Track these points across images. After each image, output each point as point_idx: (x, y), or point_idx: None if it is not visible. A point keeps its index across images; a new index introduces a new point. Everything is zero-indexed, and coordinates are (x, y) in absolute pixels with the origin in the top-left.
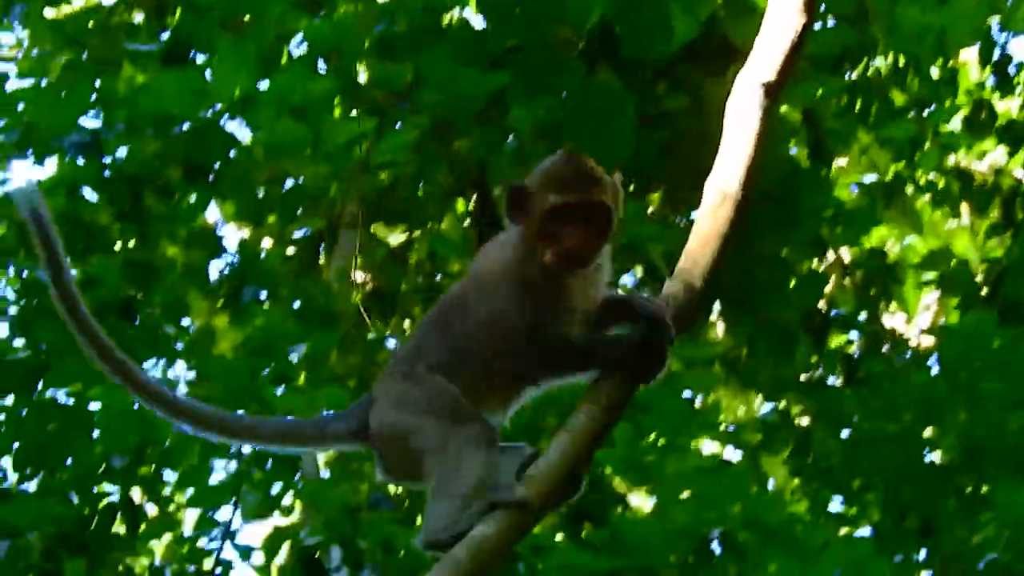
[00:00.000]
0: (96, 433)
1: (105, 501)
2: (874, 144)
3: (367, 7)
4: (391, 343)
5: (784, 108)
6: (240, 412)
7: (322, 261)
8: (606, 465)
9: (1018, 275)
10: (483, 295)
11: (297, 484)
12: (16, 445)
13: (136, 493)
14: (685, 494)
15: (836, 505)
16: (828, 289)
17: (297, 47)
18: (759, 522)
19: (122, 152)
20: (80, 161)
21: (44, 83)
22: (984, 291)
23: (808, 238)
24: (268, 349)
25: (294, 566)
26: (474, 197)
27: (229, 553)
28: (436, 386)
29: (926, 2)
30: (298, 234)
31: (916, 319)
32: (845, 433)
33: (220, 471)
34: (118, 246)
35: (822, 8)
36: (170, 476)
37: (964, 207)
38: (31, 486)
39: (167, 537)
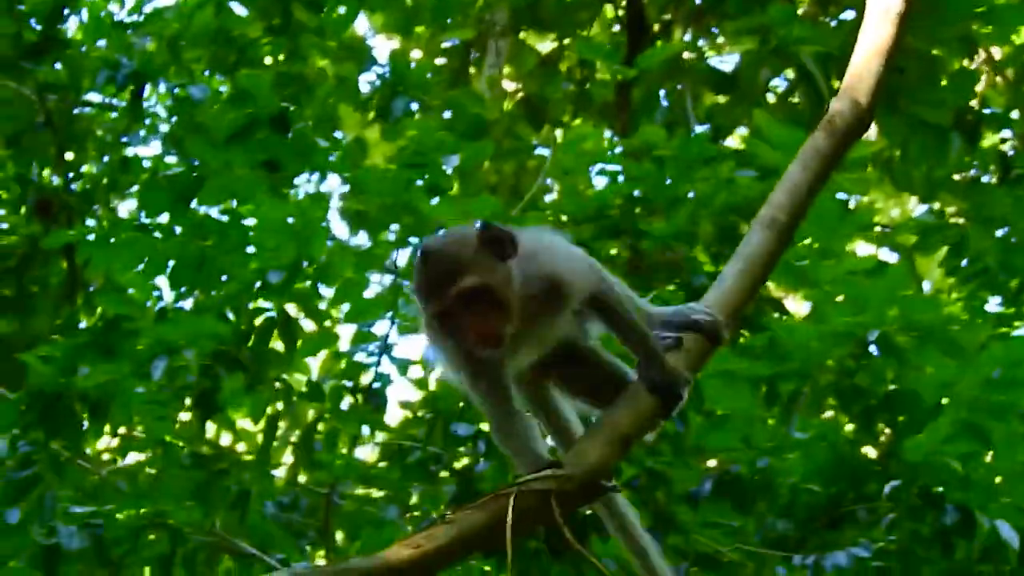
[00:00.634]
0: (251, 249)
1: (262, 317)
2: None
3: None
4: (543, 152)
5: None
6: None
7: (472, 71)
8: None
9: None
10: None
11: None
12: (171, 263)
13: (292, 309)
14: (841, 297)
15: (994, 305)
16: (979, 88)
17: None
18: (916, 324)
19: None
20: None
21: None
22: None
23: (958, 35)
24: (420, 160)
25: None
26: (624, 2)
27: (387, 367)
28: None
29: None
30: (448, 44)
31: None
32: (1000, 232)
33: (376, 285)
34: (268, 60)
35: None
36: (326, 291)
37: None
38: (187, 304)
39: (324, 353)
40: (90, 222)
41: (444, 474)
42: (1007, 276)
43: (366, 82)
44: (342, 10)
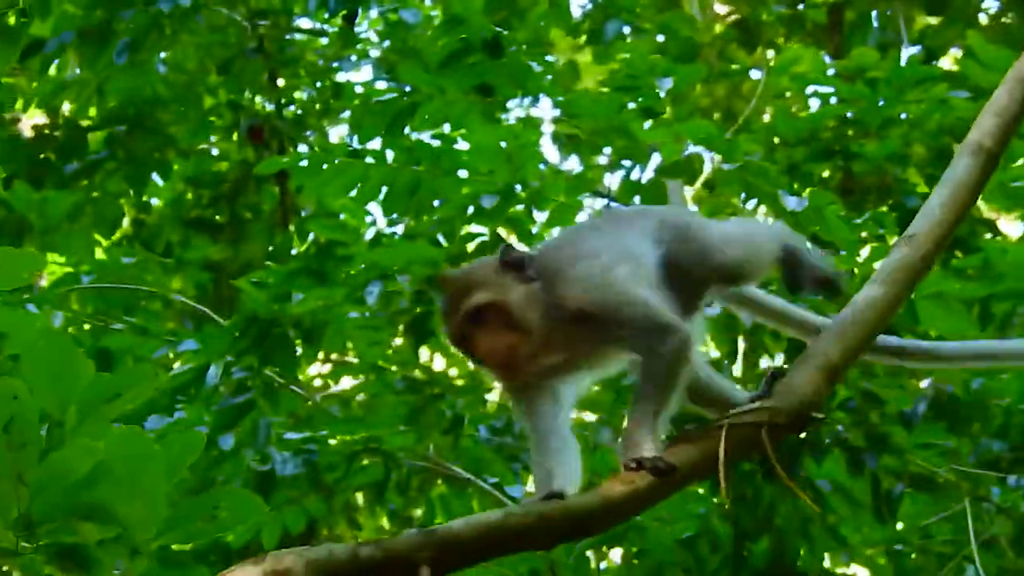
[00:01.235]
0: (464, 174)
1: (474, 242)
2: None
3: None
4: (755, 74)
5: None
6: None
7: None
8: None
9: None
10: None
11: None
12: (384, 189)
13: (504, 233)
14: None
15: None
16: None
17: None
18: None
19: None
20: None
21: None
22: None
23: None
24: (633, 83)
25: None
26: None
27: None
28: None
29: None
30: None
31: None
32: None
33: (588, 209)
34: None
35: None
36: (539, 215)
37: None
38: (399, 229)
39: None
40: (302, 148)
41: None
42: None
43: (578, 5)
44: None
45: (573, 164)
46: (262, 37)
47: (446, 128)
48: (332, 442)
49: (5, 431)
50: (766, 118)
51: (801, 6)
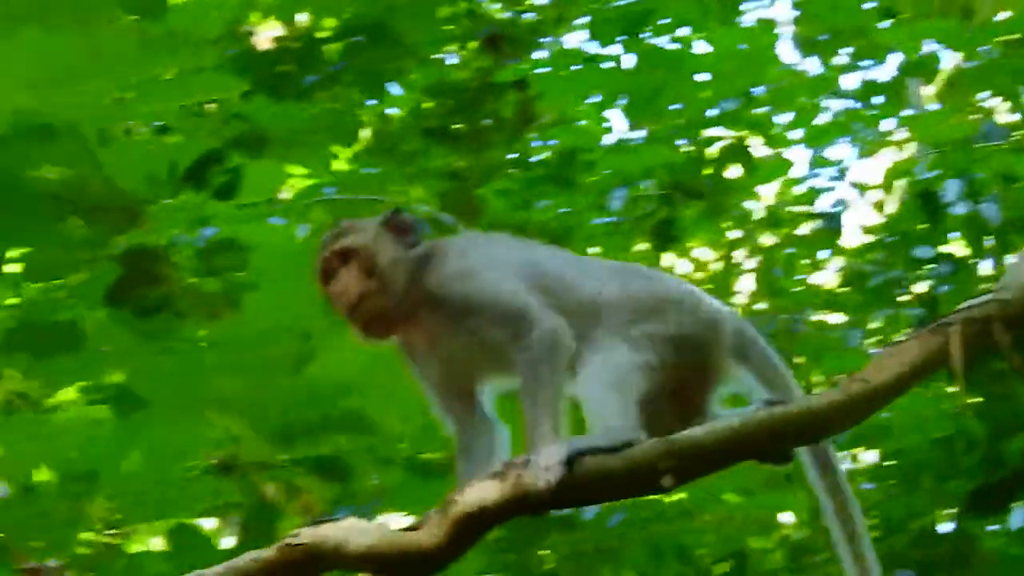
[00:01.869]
0: (703, 77)
1: (716, 146)
2: None
3: None
4: None
5: None
6: None
7: None
8: None
9: None
10: None
11: (909, 119)
12: (624, 95)
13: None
14: None
15: None
16: None
17: None
18: None
19: None
20: None
21: None
22: None
23: None
24: None
25: (910, 202)
26: None
27: (844, 191)
28: None
29: None
30: None
31: None
32: None
33: (829, 111)
34: None
35: None
36: (780, 118)
37: None
38: (639, 135)
39: (780, 179)
40: (540, 55)
41: (905, 298)
42: None
43: None
44: None
45: (812, 65)
46: None
47: (684, 32)
48: None
49: (258, 345)
50: (1004, 15)
51: None
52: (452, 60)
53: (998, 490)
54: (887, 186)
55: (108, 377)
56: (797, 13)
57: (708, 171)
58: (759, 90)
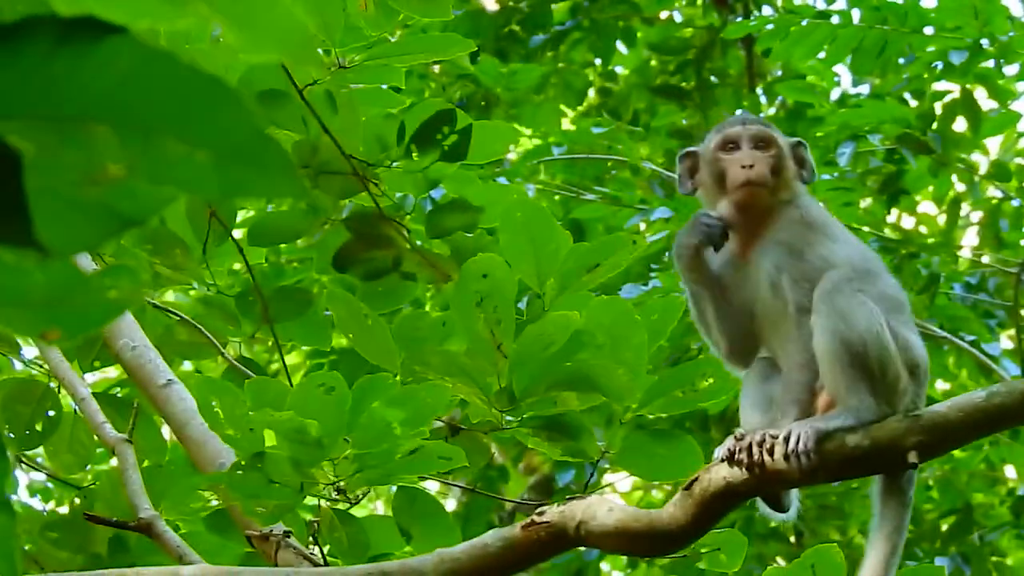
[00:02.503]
0: (930, 30)
1: (944, 99)
2: None
3: None
4: None
5: None
6: None
7: None
8: None
9: None
10: None
11: None
12: (852, 50)
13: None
14: None
15: None
16: None
17: None
18: None
19: None
20: None
21: None
22: None
23: None
24: None
25: None
26: None
27: None
28: None
29: None
30: None
31: None
32: None
33: None
34: None
35: None
36: (1009, 70)
37: None
38: (865, 89)
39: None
40: (767, 11)
41: None
42: None
43: None
44: None
45: None
46: None
47: None
48: None
49: (481, 306)
50: None
51: None
52: (678, 18)
53: None
54: None
55: (335, 342)
56: None
57: (935, 125)
58: (985, 43)
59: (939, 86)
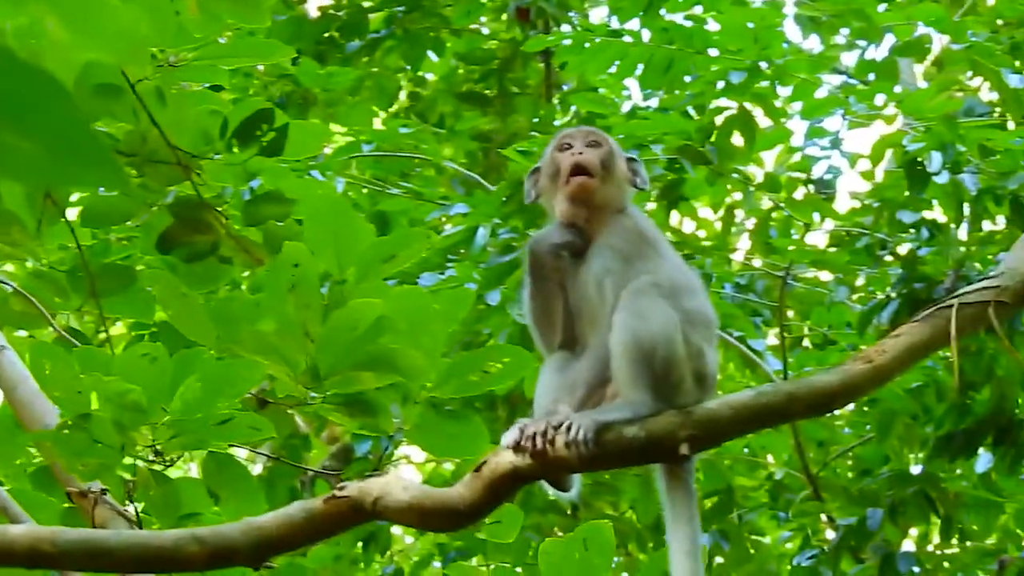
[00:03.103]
0: (714, 52)
1: (723, 115)
2: None
3: None
4: None
5: None
6: None
7: None
8: None
9: None
10: None
11: (899, 95)
12: (641, 66)
13: (751, 107)
14: None
15: None
16: None
17: None
18: None
19: None
20: None
21: None
22: None
23: None
24: None
25: (897, 171)
26: None
27: (837, 160)
28: None
29: None
30: None
31: None
32: None
33: (827, 86)
34: None
35: None
36: (782, 90)
37: None
38: (654, 103)
39: (779, 147)
40: (566, 28)
41: (889, 258)
42: None
43: None
44: None
45: (814, 43)
46: None
47: (698, 10)
48: None
49: (292, 291)
50: (991, 1)
51: None
52: (485, 31)
53: (965, 437)
54: (876, 156)
55: (156, 316)
56: None
57: (714, 138)
58: (763, 65)
59: (719, 102)
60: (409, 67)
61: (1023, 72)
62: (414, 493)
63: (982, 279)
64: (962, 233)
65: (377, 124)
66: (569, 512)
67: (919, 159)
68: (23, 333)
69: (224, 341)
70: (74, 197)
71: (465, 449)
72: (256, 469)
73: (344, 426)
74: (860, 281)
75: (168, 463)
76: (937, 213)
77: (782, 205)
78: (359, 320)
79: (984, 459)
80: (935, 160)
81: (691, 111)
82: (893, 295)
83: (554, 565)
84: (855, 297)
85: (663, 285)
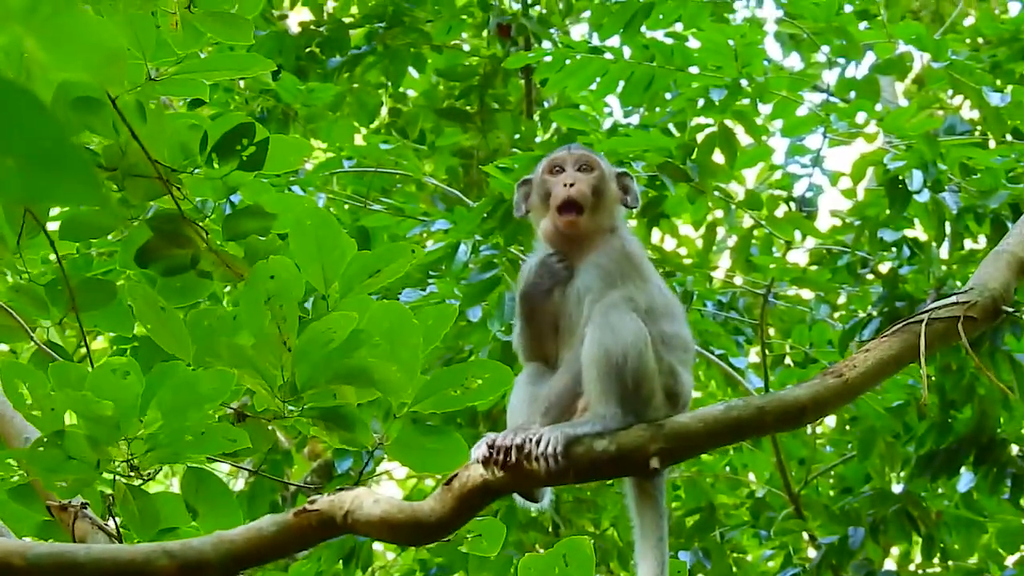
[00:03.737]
0: (695, 70)
1: (704, 132)
2: None
3: None
4: None
5: None
6: None
7: None
8: None
9: None
10: None
11: (880, 113)
12: (622, 83)
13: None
14: None
15: None
16: None
17: None
18: None
19: None
20: None
21: None
22: None
23: None
24: None
25: (878, 189)
26: None
27: (818, 178)
28: None
29: None
30: None
31: None
32: None
33: (808, 103)
34: None
35: None
36: (763, 108)
37: None
38: (634, 120)
39: (760, 165)
40: (546, 45)
41: (870, 276)
42: None
43: None
44: None
45: (794, 61)
46: None
47: (679, 27)
48: None
49: (268, 304)
50: (971, 20)
51: None
52: (466, 47)
53: (946, 456)
54: (857, 174)
55: (135, 331)
56: (781, 13)
57: (695, 156)
58: (744, 82)
59: (700, 120)
60: (390, 83)
61: (1004, 90)
62: (385, 507)
63: (952, 295)
64: (943, 251)
65: (358, 140)
66: (550, 529)
67: (900, 177)
68: (3, 347)
69: (202, 354)
70: (54, 211)
71: (446, 465)
72: (239, 485)
73: (324, 441)
74: (841, 299)
75: (146, 477)
76: (918, 231)
77: (763, 223)
78: (335, 332)
79: (966, 478)
80: (916, 178)
81: (672, 128)
82: (874, 313)
83: None
84: (836, 315)
85: (637, 302)
